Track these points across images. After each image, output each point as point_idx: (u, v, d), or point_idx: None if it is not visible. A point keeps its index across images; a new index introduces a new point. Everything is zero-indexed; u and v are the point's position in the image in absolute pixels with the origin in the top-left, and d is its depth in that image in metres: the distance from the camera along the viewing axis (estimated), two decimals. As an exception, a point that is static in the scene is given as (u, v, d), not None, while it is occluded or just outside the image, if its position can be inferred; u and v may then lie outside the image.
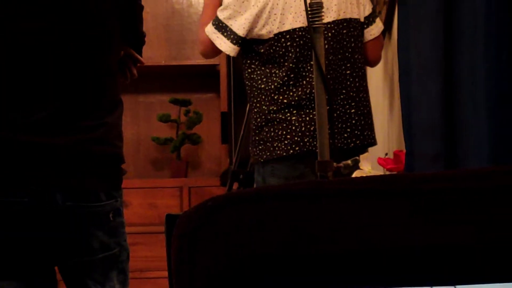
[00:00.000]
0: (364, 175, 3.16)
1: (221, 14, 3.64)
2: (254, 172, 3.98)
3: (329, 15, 3.61)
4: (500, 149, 2.17)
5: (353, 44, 3.69)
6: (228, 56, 6.08)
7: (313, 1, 2.82)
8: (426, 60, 2.28)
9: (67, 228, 2.67)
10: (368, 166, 3.36)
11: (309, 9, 2.82)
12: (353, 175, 3.12)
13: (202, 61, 6.63)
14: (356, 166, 3.34)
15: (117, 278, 2.80)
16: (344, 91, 3.63)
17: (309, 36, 3.46)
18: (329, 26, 3.61)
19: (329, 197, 1.25)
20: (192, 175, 6.71)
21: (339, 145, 3.57)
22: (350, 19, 3.70)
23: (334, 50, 3.63)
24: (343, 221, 1.23)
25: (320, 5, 2.83)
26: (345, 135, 3.61)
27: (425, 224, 1.26)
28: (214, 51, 3.79)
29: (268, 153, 3.58)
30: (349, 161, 3.30)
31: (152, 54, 5.97)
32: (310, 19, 2.85)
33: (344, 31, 3.68)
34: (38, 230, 2.67)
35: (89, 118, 2.72)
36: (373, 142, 3.70)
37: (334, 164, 2.92)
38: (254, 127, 3.73)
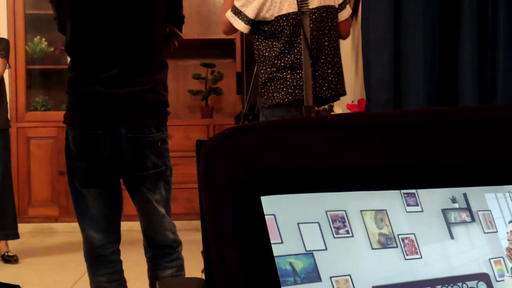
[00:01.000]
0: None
1: (237, 3, 3.64)
2: (259, 114, 4.02)
3: (313, 3, 3.62)
4: (431, 98, 2.19)
5: (330, 24, 3.69)
6: (242, 33, 6.08)
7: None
8: (381, 35, 2.28)
9: (128, 152, 2.71)
10: (339, 110, 3.37)
11: (299, -1, 2.84)
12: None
13: (223, 36, 6.61)
14: (331, 110, 3.37)
15: (163, 187, 2.82)
16: (323, 57, 3.64)
17: (299, 18, 3.47)
18: (313, 10, 3.61)
19: (312, 128, 1.27)
20: (216, 116, 6.71)
21: (319, 95, 3.60)
22: (329, 6, 3.69)
23: (317, 28, 3.63)
24: (322, 145, 1.25)
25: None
26: (324, 88, 3.62)
27: (377, 147, 1.28)
28: (232, 30, 3.77)
29: (270, 101, 3.59)
30: (326, 106, 3.34)
31: (188, 30, 5.93)
32: (300, 5, 2.87)
33: (324, 14, 3.67)
34: (108, 153, 2.70)
35: (144, 75, 2.73)
36: (343, 93, 3.71)
37: (315, 108, 2.95)
38: (260, 83, 3.73)
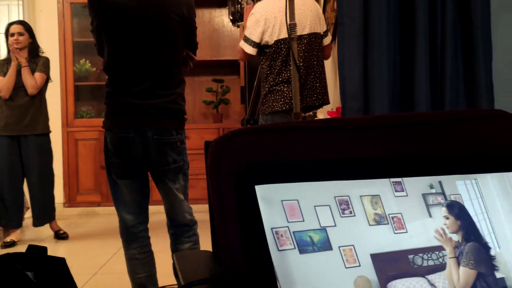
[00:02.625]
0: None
1: (246, 32, 3.68)
2: (259, 120, 4.02)
3: (305, 30, 3.65)
4: (393, 105, 2.19)
5: (317, 47, 3.70)
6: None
7: (291, 23, 2.82)
8: (352, 56, 2.27)
9: (154, 151, 2.71)
10: (321, 116, 3.35)
11: (289, 28, 2.83)
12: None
13: (230, 58, 6.63)
14: (315, 115, 3.37)
15: (182, 178, 2.81)
16: (313, 73, 3.65)
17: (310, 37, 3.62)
18: (305, 36, 3.63)
19: (297, 130, 1.27)
20: (224, 121, 6.70)
21: (310, 103, 3.65)
22: (317, 33, 3.70)
23: (308, 50, 3.64)
24: (306, 143, 1.25)
25: (294, 26, 2.84)
26: (313, 98, 3.64)
27: (350, 143, 1.27)
28: (245, 56, 3.77)
29: (270, 109, 3.59)
30: (310, 113, 3.35)
31: (202, 53, 5.92)
32: (289, 33, 2.87)
33: (313, 40, 3.67)
34: (138, 151, 2.71)
35: (166, 89, 2.73)
36: (328, 102, 3.72)
37: (302, 114, 2.95)
38: (262, 94, 3.74)
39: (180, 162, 2.80)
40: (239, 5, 4.29)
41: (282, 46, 3.62)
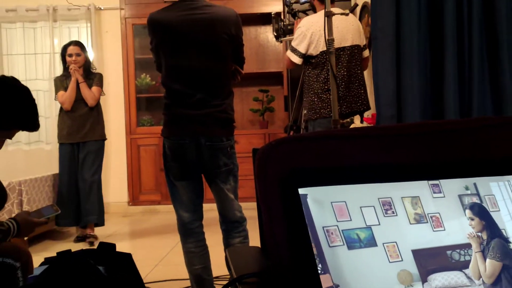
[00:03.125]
0: (356, 127, 3.17)
1: (293, 43, 3.73)
2: (303, 125, 4.03)
3: (348, 42, 3.69)
4: (424, 114, 2.17)
5: (359, 57, 3.72)
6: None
7: (329, 38, 2.83)
8: (385, 68, 2.26)
9: (207, 155, 2.74)
10: (358, 123, 3.34)
11: (327, 42, 2.84)
12: (351, 127, 3.14)
13: (274, 70, 6.64)
14: (352, 122, 3.36)
15: (232, 180, 2.82)
16: (357, 81, 3.67)
17: (335, 53, 3.54)
18: (347, 47, 3.66)
19: (335, 138, 1.28)
20: (270, 127, 6.70)
21: (355, 109, 3.68)
22: (358, 45, 3.71)
23: (351, 60, 3.67)
24: (343, 150, 1.26)
25: (332, 41, 2.84)
26: (358, 104, 3.67)
27: (387, 150, 1.28)
28: (291, 64, 3.80)
29: (317, 115, 3.61)
30: (348, 120, 3.34)
31: (249, 66, 5.94)
32: (327, 47, 2.87)
33: (356, 51, 3.70)
34: (193, 156, 2.74)
35: (217, 100, 2.76)
36: (370, 107, 3.71)
37: (341, 120, 2.94)
38: (309, 101, 3.75)
39: (230, 165, 2.81)
40: (282, 23, 4.30)
41: (325, 57, 3.61)
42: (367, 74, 4.54)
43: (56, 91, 5.02)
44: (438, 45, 2.21)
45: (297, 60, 3.72)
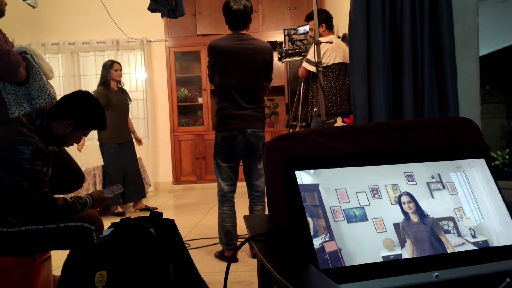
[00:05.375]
0: (338, 125, 3.14)
1: (309, 57, 3.61)
2: (295, 124, 3.98)
3: (337, 59, 3.60)
4: (391, 115, 2.14)
5: (346, 71, 3.63)
6: (287, 82, 6.02)
7: (318, 60, 2.80)
8: (359, 81, 2.23)
9: (250, 142, 2.85)
10: (340, 122, 3.29)
11: (315, 64, 2.81)
12: (334, 126, 3.11)
13: (278, 84, 6.59)
14: (335, 122, 3.31)
15: (261, 160, 2.89)
16: (347, 89, 3.60)
17: (341, 66, 3.59)
18: (337, 64, 3.59)
19: (321, 134, 1.27)
20: (275, 126, 6.66)
21: (344, 110, 3.58)
22: (346, 63, 3.63)
23: (341, 74, 3.60)
24: (328, 143, 1.25)
25: (320, 63, 2.82)
26: (349, 106, 3.57)
27: (359, 142, 1.26)
28: (307, 72, 3.69)
29: (326, 111, 3.49)
30: (332, 120, 3.29)
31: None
32: (317, 68, 2.85)
33: (343, 66, 3.61)
34: (240, 145, 2.84)
35: (254, 104, 2.86)
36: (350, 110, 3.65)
37: (327, 120, 2.92)
38: (314, 102, 3.69)
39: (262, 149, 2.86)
40: (284, 48, 4.25)
41: (336, 67, 3.60)
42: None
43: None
44: (398, 64, 2.19)
45: (313, 68, 3.57)
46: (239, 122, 2.82)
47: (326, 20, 3.79)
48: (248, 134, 2.83)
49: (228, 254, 2.92)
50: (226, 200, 2.93)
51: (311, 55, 3.60)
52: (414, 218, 1.12)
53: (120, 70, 4.71)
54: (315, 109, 3.64)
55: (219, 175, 2.92)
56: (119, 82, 4.74)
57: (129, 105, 4.84)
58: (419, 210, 1.13)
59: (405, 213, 1.13)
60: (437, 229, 1.11)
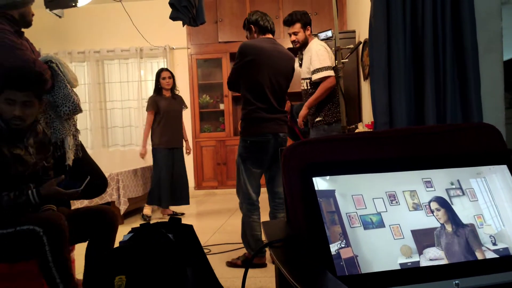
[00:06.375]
0: (359, 131, 3.11)
1: (324, 64, 3.39)
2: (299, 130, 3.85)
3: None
4: (413, 121, 2.12)
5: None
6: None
7: (338, 67, 2.79)
8: (380, 88, 2.20)
9: (282, 146, 2.83)
10: (361, 127, 3.27)
11: (336, 70, 2.79)
12: (356, 131, 3.08)
13: (297, 90, 6.56)
14: (356, 127, 3.29)
15: None
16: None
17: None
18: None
19: (339, 141, 1.26)
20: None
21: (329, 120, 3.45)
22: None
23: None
24: (345, 149, 1.24)
25: (341, 68, 2.81)
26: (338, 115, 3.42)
27: (379, 148, 1.25)
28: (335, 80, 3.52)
29: (335, 118, 3.34)
30: (353, 126, 3.26)
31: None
32: (336, 75, 2.83)
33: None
34: (272, 148, 2.81)
35: (282, 108, 2.89)
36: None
37: (347, 127, 2.89)
38: (327, 108, 3.48)
39: None
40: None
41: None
42: (368, 92, 4.45)
43: (148, 108, 4.73)
44: (419, 69, 2.16)
45: (332, 74, 3.29)
46: (272, 126, 2.77)
47: (310, 22, 3.49)
48: (280, 138, 2.80)
49: (259, 261, 2.84)
50: (255, 208, 2.83)
51: (325, 62, 3.31)
52: (448, 226, 1.10)
53: (169, 78, 4.76)
54: (318, 118, 3.41)
55: (248, 182, 2.79)
56: (172, 89, 4.82)
57: (183, 111, 4.90)
58: (452, 216, 1.11)
59: (437, 220, 1.11)
60: (472, 239, 1.09)
